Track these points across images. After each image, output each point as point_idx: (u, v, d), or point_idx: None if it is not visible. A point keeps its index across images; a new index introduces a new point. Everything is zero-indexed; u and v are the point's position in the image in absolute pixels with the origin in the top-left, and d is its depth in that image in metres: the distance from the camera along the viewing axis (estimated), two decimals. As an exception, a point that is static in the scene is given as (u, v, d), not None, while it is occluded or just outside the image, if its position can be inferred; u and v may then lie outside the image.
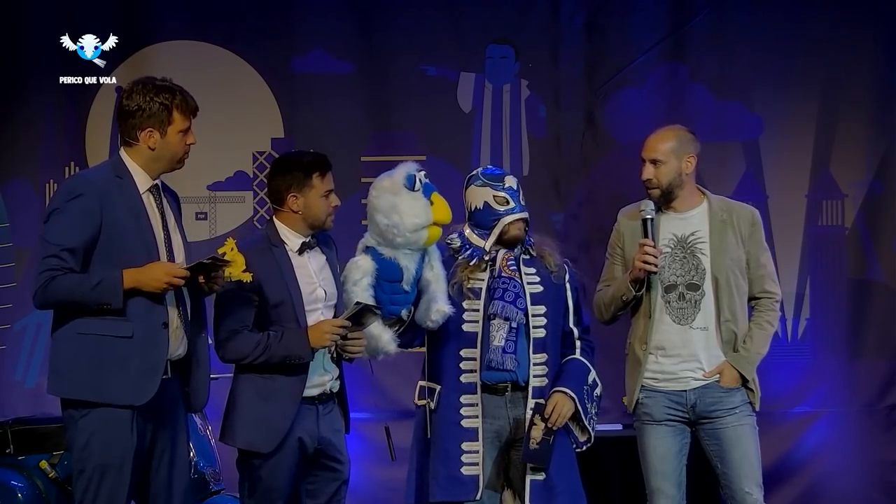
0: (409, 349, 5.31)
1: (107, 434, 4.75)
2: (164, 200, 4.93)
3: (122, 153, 4.89)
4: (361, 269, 5.16)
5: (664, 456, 5.46)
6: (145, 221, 4.82)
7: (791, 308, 7.77)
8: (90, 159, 7.76)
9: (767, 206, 7.72)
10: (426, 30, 7.87)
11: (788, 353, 7.77)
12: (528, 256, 5.27)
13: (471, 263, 5.23)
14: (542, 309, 5.22)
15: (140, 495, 4.91)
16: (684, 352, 5.44)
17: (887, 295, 7.79)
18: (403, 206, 5.09)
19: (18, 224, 7.80)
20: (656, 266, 5.39)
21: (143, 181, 4.86)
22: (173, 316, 4.84)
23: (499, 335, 5.17)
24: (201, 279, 4.84)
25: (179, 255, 4.91)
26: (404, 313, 5.18)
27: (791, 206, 7.82)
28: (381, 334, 5.14)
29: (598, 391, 5.29)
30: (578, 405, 5.17)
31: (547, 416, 5.14)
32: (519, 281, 5.19)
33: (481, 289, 5.21)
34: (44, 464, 6.32)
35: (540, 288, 5.23)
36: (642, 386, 5.48)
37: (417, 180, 5.12)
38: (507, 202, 5.21)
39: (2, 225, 7.81)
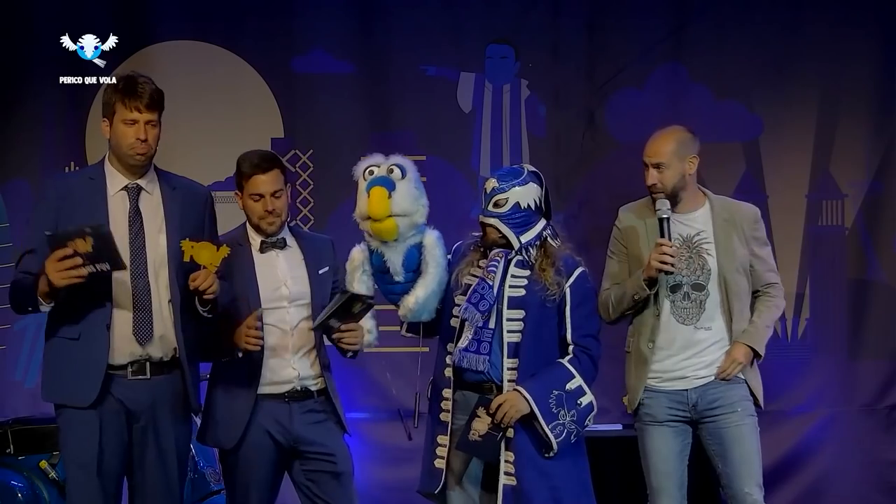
0: (430, 338, 5.31)
1: (75, 433, 4.82)
2: (150, 199, 4.91)
3: (108, 153, 4.95)
4: (354, 260, 5.21)
5: (666, 456, 5.45)
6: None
7: (791, 308, 7.77)
8: (90, 159, 7.75)
9: (767, 206, 7.72)
10: (426, 30, 7.87)
11: (788, 353, 7.77)
12: (521, 258, 5.20)
13: (466, 256, 5.22)
14: (519, 314, 5.11)
15: (130, 494, 4.95)
16: (689, 352, 5.43)
17: (887, 295, 7.79)
18: (358, 199, 5.12)
19: (18, 224, 7.79)
20: (674, 266, 5.38)
21: (115, 182, 4.86)
22: (122, 320, 4.83)
23: (465, 336, 5.14)
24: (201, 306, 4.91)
25: (155, 255, 4.89)
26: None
27: (791, 206, 7.82)
28: (363, 323, 5.21)
29: (582, 400, 5.11)
30: (535, 406, 5.04)
31: (493, 412, 5.04)
32: (490, 283, 5.13)
33: (470, 285, 5.17)
34: (44, 464, 6.32)
35: (522, 292, 5.12)
36: (645, 387, 5.47)
37: (363, 175, 5.11)
38: (482, 203, 5.21)
39: (2, 225, 7.80)
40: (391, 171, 5.08)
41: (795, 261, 7.81)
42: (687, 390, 5.44)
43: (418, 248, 5.17)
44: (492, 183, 5.17)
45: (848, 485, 7.73)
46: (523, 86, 7.93)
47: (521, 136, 7.93)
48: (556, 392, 5.06)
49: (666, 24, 7.85)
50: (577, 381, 5.10)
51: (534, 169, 5.22)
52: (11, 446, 6.41)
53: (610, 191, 7.62)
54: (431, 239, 5.18)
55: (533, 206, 5.14)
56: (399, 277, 5.16)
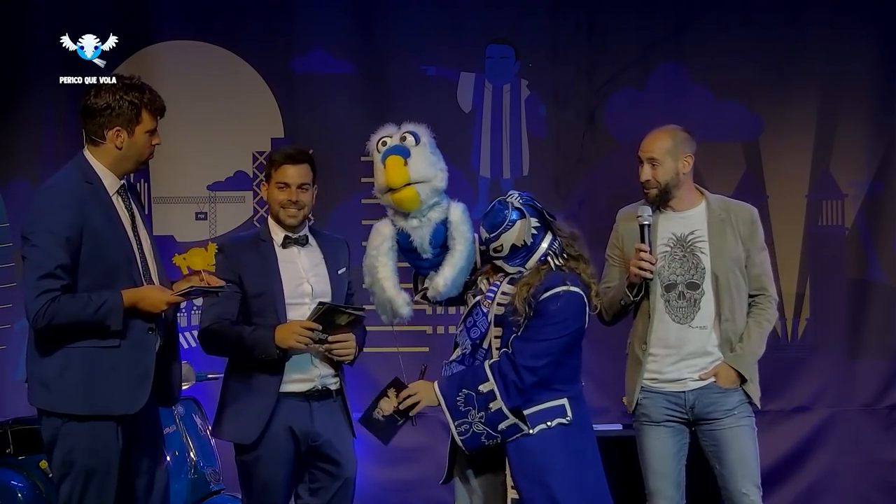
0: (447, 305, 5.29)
1: (92, 440, 4.74)
2: (130, 199, 4.91)
3: (87, 154, 4.86)
4: (381, 235, 5.05)
5: (663, 457, 5.46)
6: (121, 227, 4.80)
7: (791, 308, 7.77)
8: (90, 159, 7.75)
9: (767, 206, 7.73)
10: (426, 30, 7.87)
11: (788, 352, 7.77)
12: (514, 275, 5.07)
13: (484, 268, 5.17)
14: (500, 331, 5.02)
15: (121, 498, 4.88)
16: (683, 351, 5.45)
17: (887, 295, 7.79)
18: (375, 173, 5.04)
19: (18, 224, 7.78)
20: (651, 273, 5.40)
21: (111, 183, 4.83)
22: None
23: (456, 352, 5.08)
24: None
25: (149, 253, 4.89)
26: None
27: (791, 206, 7.82)
28: (396, 297, 5.02)
29: (492, 405, 4.89)
30: (442, 401, 4.94)
31: (401, 399, 4.98)
32: (485, 310, 5.04)
33: (483, 293, 5.13)
34: (44, 464, 6.30)
35: (502, 310, 5.02)
36: (642, 387, 5.48)
37: (376, 147, 5.03)
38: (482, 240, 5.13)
39: (2, 225, 7.80)
40: (404, 138, 5.01)
41: (795, 261, 7.81)
42: (684, 392, 5.45)
43: (444, 224, 5.06)
44: (484, 233, 5.06)
45: (848, 485, 7.73)
46: (523, 86, 7.94)
47: (521, 136, 7.93)
48: (466, 391, 4.93)
49: (666, 24, 7.85)
50: (489, 385, 4.92)
51: (518, 204, 5.02)
52: (11, 446, 6.40)
53: (610, 191, 7.62)
54: (457, 214, 5.06)
55: (530, 239, 5.00)
56: (427, 255, 5.05)
